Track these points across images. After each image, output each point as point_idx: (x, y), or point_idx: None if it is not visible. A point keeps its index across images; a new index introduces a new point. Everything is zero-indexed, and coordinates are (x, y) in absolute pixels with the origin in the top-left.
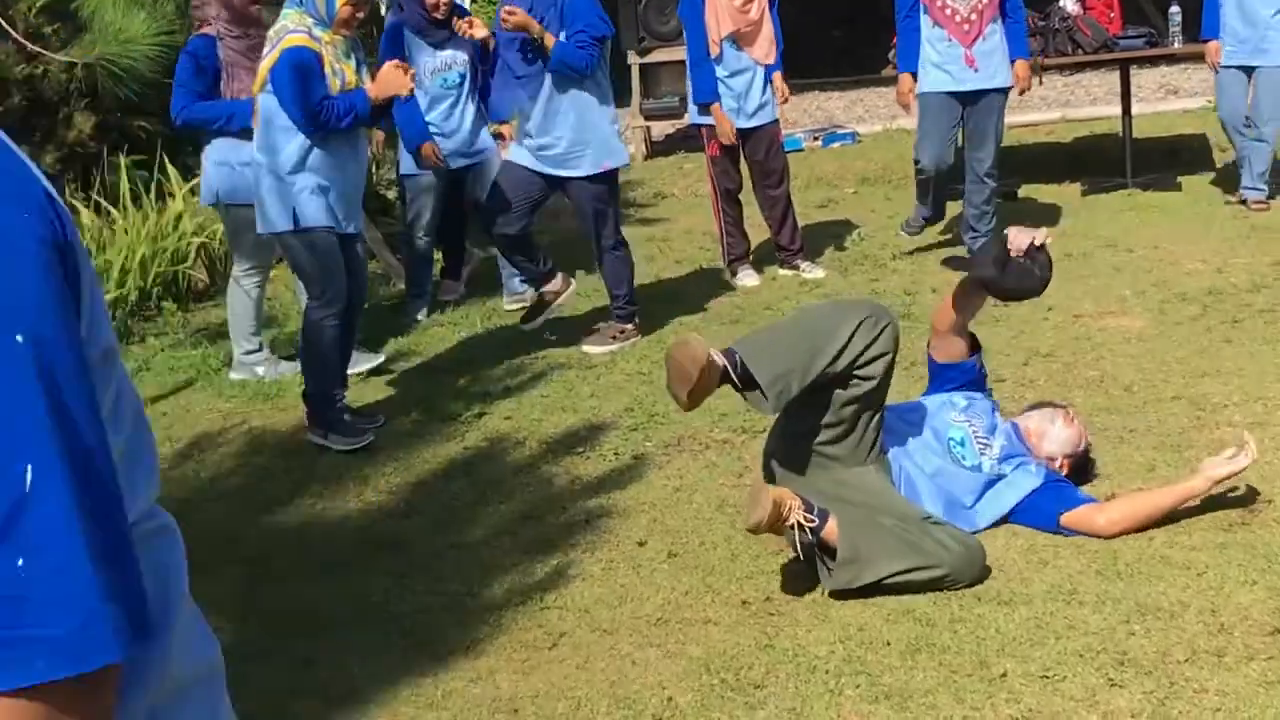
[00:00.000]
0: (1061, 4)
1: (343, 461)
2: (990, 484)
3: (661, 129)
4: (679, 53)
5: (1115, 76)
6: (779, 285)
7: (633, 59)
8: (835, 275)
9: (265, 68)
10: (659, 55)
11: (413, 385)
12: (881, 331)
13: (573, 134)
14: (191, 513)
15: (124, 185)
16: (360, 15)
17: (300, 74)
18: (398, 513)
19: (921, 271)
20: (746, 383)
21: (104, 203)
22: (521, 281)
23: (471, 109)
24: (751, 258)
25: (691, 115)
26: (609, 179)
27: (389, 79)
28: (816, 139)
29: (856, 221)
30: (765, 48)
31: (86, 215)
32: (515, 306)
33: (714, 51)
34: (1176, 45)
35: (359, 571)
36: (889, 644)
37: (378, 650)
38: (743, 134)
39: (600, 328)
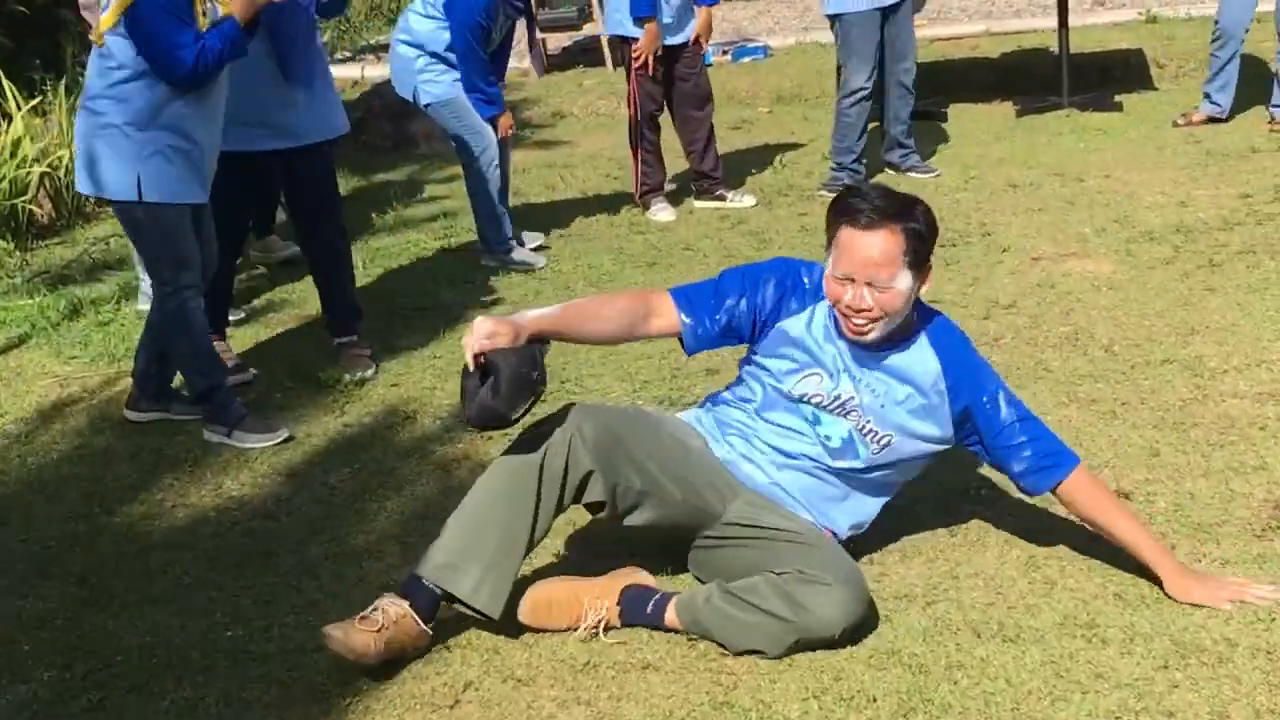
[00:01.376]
0: None
1: (199, 443)
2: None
3: (558, 41)
4: None
5: None
6: (697, 220)
7: None
8: (760, 209)
9: (124, 4)
10: None
11: (280, 343)
12: (568, 458)
13: None
14: (12, 513)
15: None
16: None
17: (168, 14)
18: (263, 511)
19: None
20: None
21: None
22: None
23: None
24: (665, 190)
25: (614, 26)
26: None
27: None
28: (725, 53)
29: (775, 145)
30: None
31: None
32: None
33: None
34: None
35: (214, 592)
36: (875, 700)
37: (234, 706)
38: (667, 50)
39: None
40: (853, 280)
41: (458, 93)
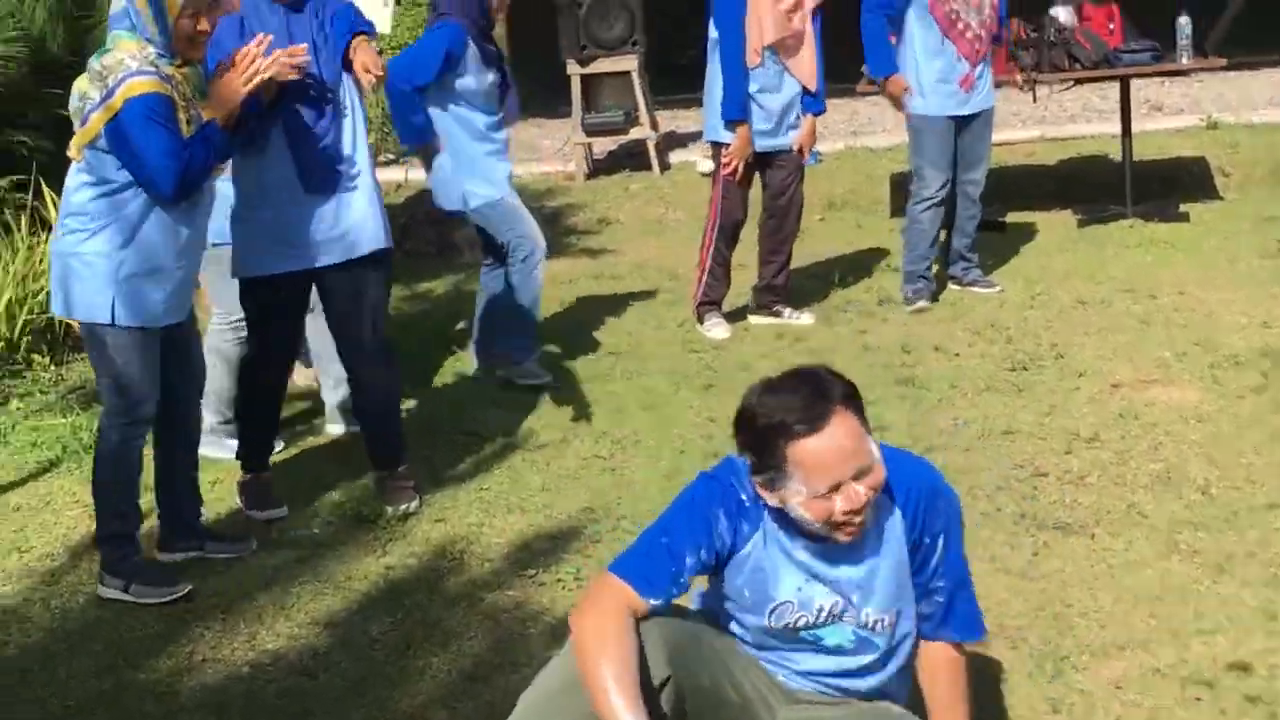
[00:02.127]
0: (1055, 14)
1: (234, 585)
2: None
3: (603, 145)
4: (623, 63)
5: (1089, 90)
6: (753, 337)
7: (573, 69)
8: (819, 325)
9: (103, 118)
10: (602, 65)
11: (320, 473)
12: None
13: None
14: (34, 664)
15: None
16: (204, 31)
17: (153, 122)
18: (299, 667)
19: (918, 321)
20: None
21: None
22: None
23: None
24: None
25: (710, 131)
26: None
27: (220, 88)
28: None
29: (830, 256)
30: (809, 66)
31: None
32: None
33: (753, 61)
34: (1185, 60)
35: None
36: None
37: None
38: (764, 158)
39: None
40: (838, 485)
41: (506, 192)
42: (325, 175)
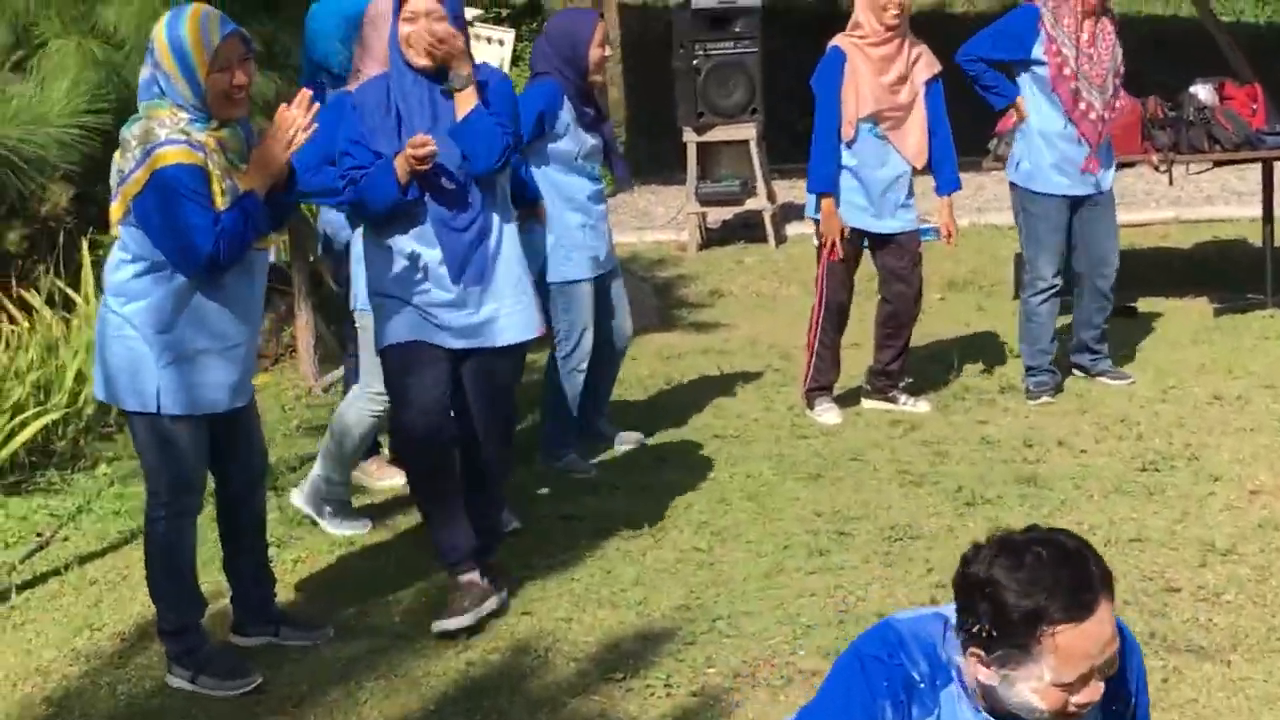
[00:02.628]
0: (1195, 92)
1: (308, 675)
2: None
3: (718, 215)
4: (741, 131)
5: (1227, 171)
6: (865, 423)
7: (689, 136)
8: (936, 414)
9: (131, 191)
10: (719, 133)
11: (399, 564)
12: None
13: None
14: None
15: (86, 272)
16: (241, 85)
17: (181, 196)
18: None
19: (1042, 413)
20: None
21: (71, 292)
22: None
23: None
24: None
25: (810, 206)
26: None
27: (260, 155)
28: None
29: (949, 338)
30: (916, 142)
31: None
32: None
33: (847, 134)
34: None
35: None
36: None
37: None
38: (876, 239)
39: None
40: (1087, 677)
41: (586, 274)
42: (471, 264)
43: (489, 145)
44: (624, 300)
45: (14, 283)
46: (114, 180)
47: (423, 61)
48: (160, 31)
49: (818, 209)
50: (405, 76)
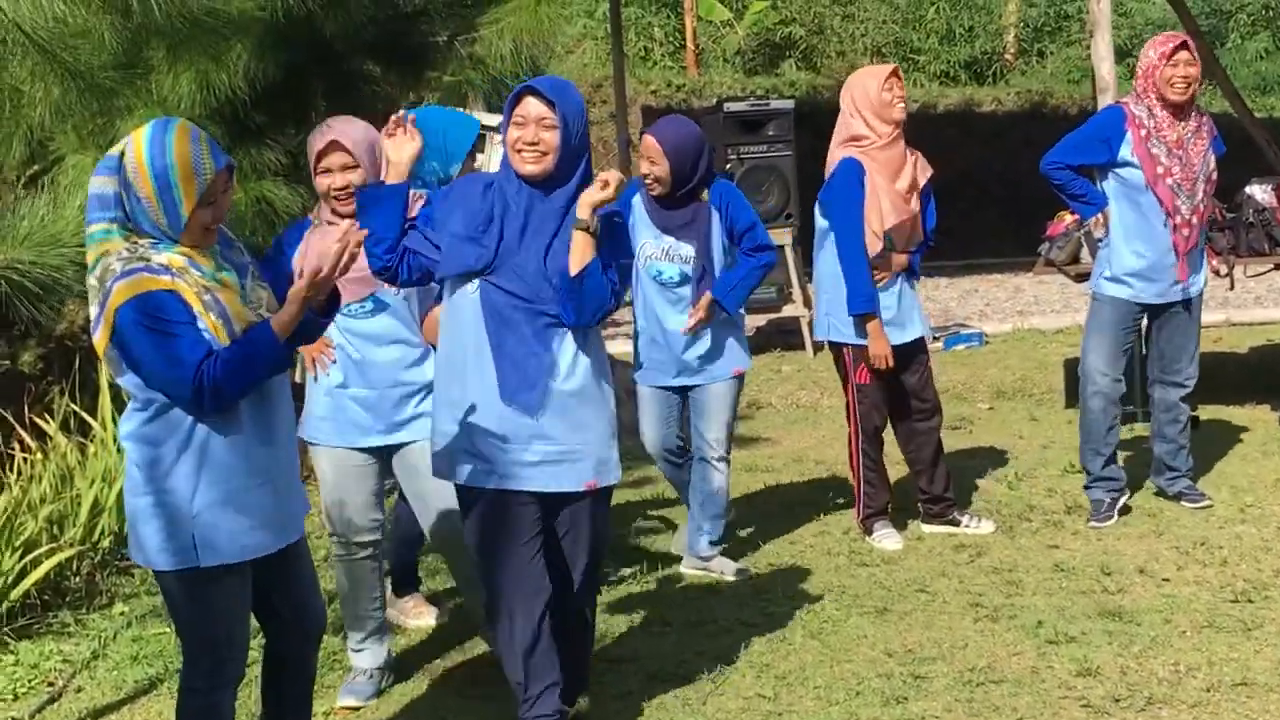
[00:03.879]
0: (1250, 193)
1: None
2: None
3: (753, 321)
4: (776, 236)
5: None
6: (928, 549)
7: None
8: (1001, 536)
9: (103, 340)
10: None
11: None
12: None
13: None
14: None
15: (104, 395)
16: (220, 219)
17: (149, 334)
18: None
19: (1116, 535)
20: None
21: (86, 416)
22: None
23: None
24: (890, 511)
25: (823, 329)
26: None
27: (302, 292)
28: (937, 339)
29: (1003, 451)
30: (911, 247)
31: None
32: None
33: (874, 248)
34: None
35: None
36: None
37: None
38: (895, 353)
39: None
40: None
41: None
42: (527, 389)
43: (595, 306)
44: None
45: (26, 408)
46: (92, 332)
47: (529, 169)
48: (139, 152)
49: (846, 331)
50: (510, 182)
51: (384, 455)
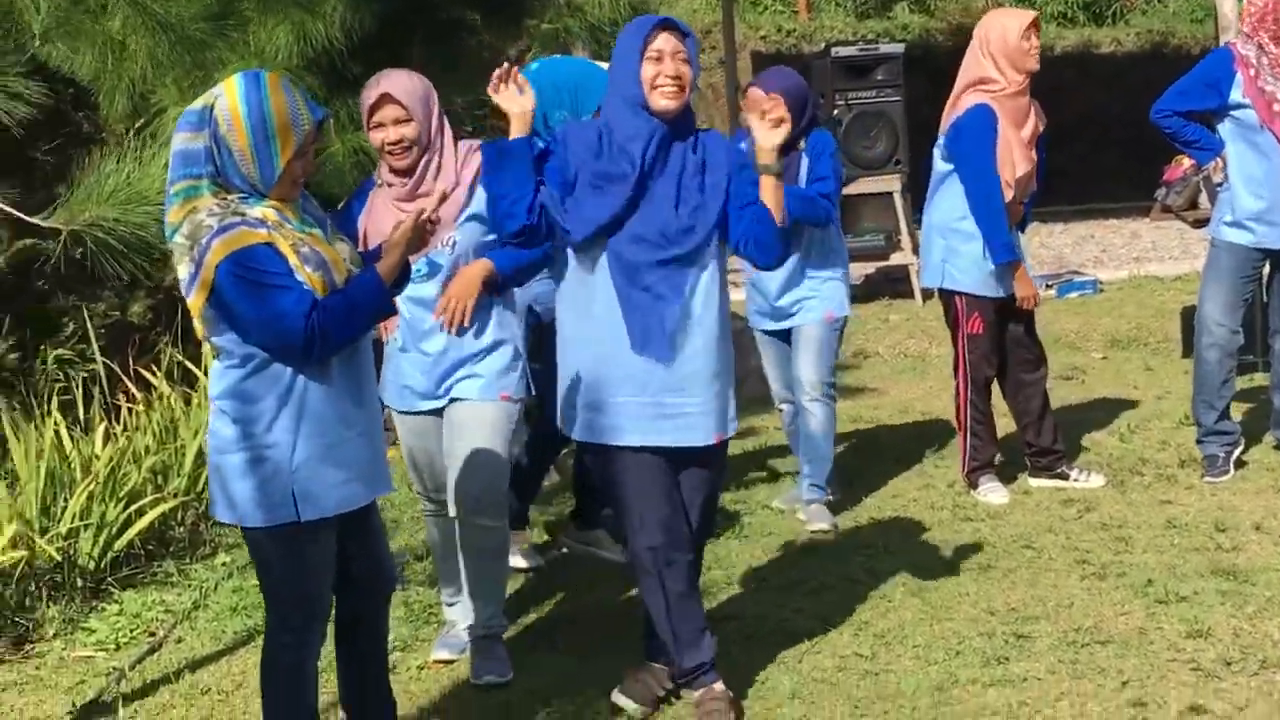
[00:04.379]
0: None
1: None
2: None
3: (861, 269)
4: (885, 183)
5: None
6: (1035, 504)
7: None
8: (1112, 491)
9: (200, 299)
10: (862, 185)
11: (531, 671)
12: None
13: None
14: None
15: (207, 345)
16: (311, 170)
17: (256, 288)
18: None
19: (1232, 490)
20: None
21: (191, 367)
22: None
23: None
24: (996, 465)
25: (934, 276)
26: None
27: (406, 239)
28: (1050, 287)
29: (1116, 402)
30: (1024, 199)
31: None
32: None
33: (1009, 195)
34: None
35: None
36: None
37: None
38: (1001, 303)
39: None
40: None
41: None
42: (659, 340)
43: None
44: None
45: (131, 360)
46: (184, 292)
47: (669, 104)
48: (234, 105)
49: (962, 279)
50: (631, 123)
51: None
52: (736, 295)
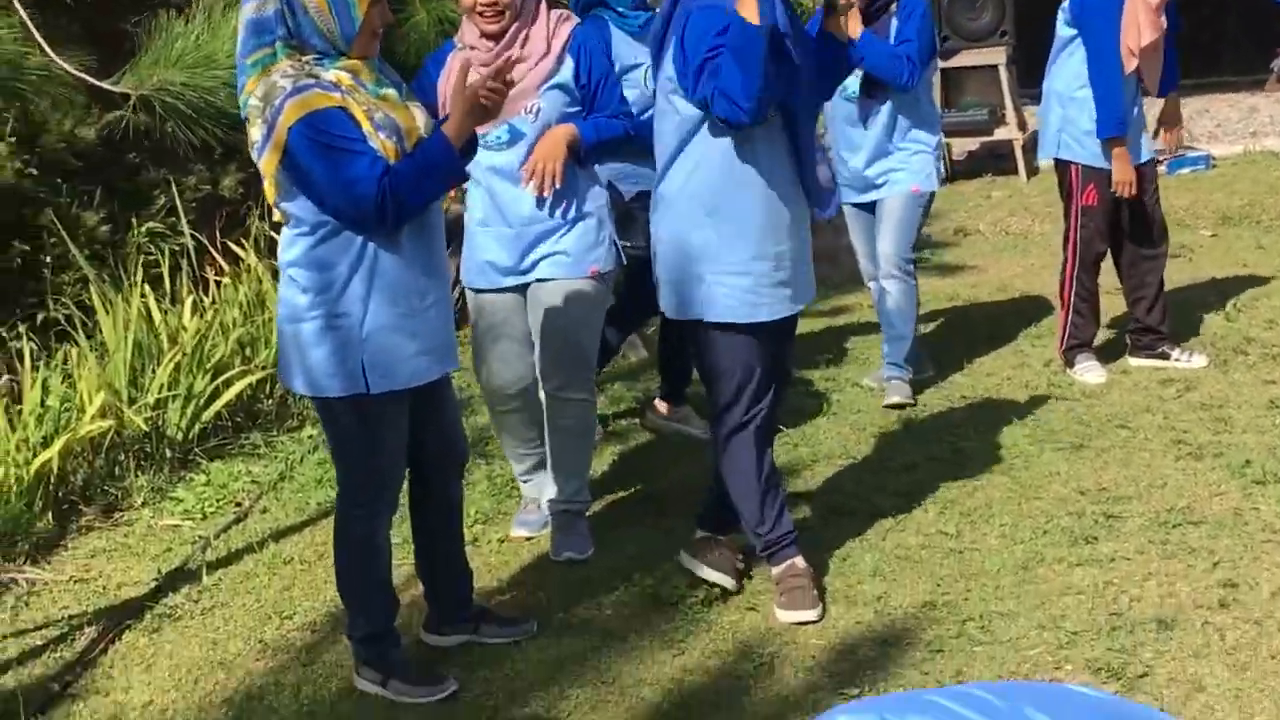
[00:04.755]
0: None
1: (503, 685)
2: None
3: (964, 145)
4: (990, 55)
5: None
6: (1132, 383)
7: (933, 62)
8: (1213, 371)
9: (273, 162)
10: (965, 58)
11: (613, 548)
12: None
13: None
14: None
15: None
16: (390, 20)
17: (328, 151)
18: None
19: None
20: None
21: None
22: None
23: None
24: (1095, 345)
25: (1056, 148)
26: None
27: (475, 100)
28: (1161, 163)
29: (1224, 280)
30: (1158, 68)
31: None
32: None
33: (1129, 67)
34: None
35: None
36: None
37: None
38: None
39: None
40: None
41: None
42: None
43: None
44: None
45: (219, 233)
46: (255, 158)
47: None
48: None
49: (1078, 150)
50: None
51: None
52: None
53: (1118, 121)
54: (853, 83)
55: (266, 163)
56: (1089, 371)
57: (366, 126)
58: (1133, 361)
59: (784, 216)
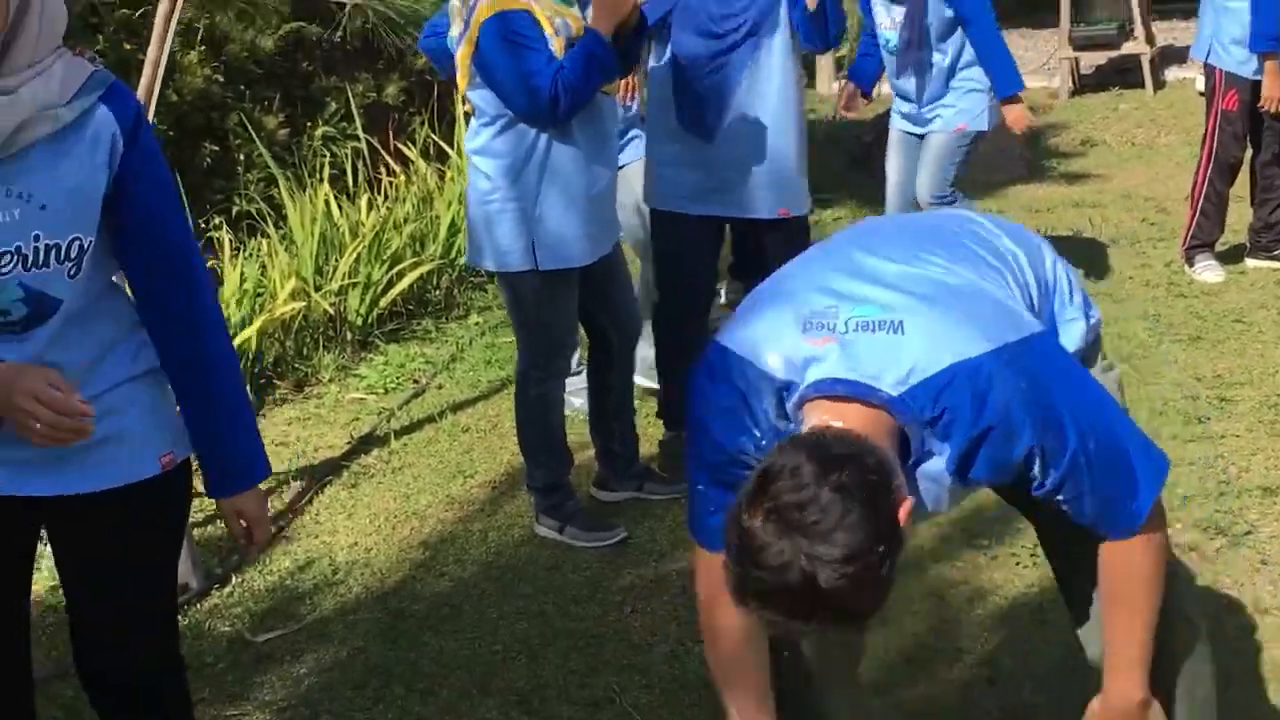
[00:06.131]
0: None
1: (665, 535)
2: None
3: (1092, 60)
4: None
5: None
6: (1250, 282)
7: None
8: None
9: (466, 54)
10: None
11: None
12: None
13: None
14: (465, 602)
15: (460, 125)
16: None
17: (510, 42)
18: None
19: None
20: None
21: (444, 145)
22: None
23: None
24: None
25: (1205, 52)
26: None
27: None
28: None
29: None
30: None
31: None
32: None
33: None
34: None
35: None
36: None
37: None
38: (1256, 85)
39: None
40: None
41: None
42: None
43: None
44: None
45: (390, 136)
46: (453, 47)
47: None
48: None
49: (1227, 58)
50: None
51: None
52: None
53: (1270, 37)
54: (892, 36)
55: (461, 53)
56: (1208, 270)
57: (548, 29)
58: (1250, 263)
59: None
